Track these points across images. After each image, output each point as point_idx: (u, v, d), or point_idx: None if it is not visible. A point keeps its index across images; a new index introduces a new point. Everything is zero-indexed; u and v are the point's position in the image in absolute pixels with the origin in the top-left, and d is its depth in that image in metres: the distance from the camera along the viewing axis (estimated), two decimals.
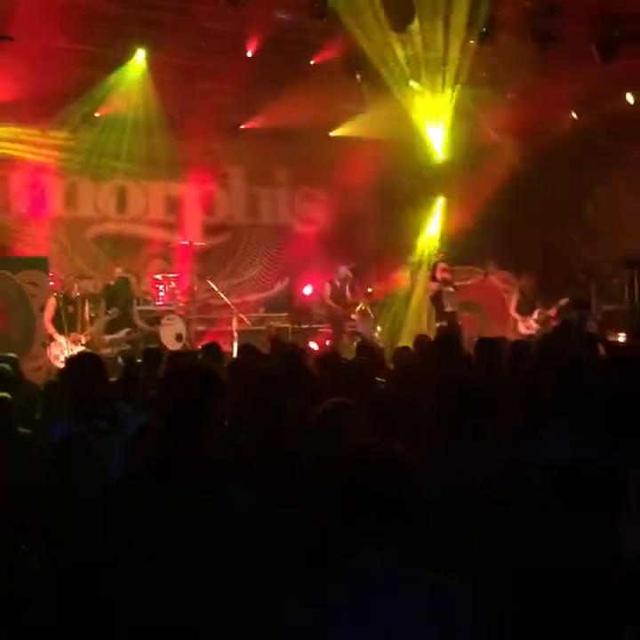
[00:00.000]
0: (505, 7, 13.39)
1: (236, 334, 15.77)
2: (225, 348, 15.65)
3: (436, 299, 14.47)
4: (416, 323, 16.16)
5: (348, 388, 5.83)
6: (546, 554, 3.52)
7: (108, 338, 14.06)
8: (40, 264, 14.15)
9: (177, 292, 16.11)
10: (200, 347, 11.75)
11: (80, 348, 12.29)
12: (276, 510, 3.73)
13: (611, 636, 3.03)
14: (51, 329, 13.02)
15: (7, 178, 16.43)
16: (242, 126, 17.36)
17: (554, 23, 13.54)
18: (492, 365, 7.67)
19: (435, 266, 14.89)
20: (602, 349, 9.06)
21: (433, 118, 16.63)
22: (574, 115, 17.52)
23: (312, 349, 14.99)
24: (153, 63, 14.64)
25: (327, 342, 16.18)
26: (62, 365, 11.27)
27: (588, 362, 6.98)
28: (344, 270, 16.10)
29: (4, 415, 5.49)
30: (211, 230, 18.00)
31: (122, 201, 17.56)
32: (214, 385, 3.74)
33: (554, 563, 3.49)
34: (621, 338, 14.03)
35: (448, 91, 16.28)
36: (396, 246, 18.29)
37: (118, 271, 15.36)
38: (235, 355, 13.12)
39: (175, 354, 10.42)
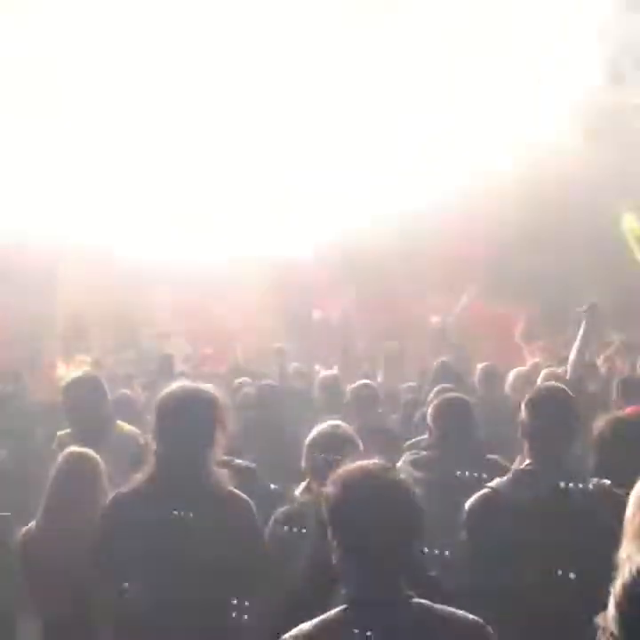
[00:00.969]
0: None
1: (242, 357, 15.71)
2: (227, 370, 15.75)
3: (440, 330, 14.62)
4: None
5: (348, 411, 5.86)
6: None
7: (112, 358, 14.08)
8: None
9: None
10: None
11: (84, 369, 12.31)
12: (276, 534, 3.75)
13: None
14: (59, 351, 13.08)
15: None
16: None
17: None
18: (493, 394, 7.72)
19: None
20: None
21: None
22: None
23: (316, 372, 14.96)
24: None
25: (333, 367, 16.14)
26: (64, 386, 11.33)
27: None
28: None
29: None
30: None
31: None
32: (212, 405, 3.76)
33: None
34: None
35: None
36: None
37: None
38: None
39: (179, 375, 10.42)
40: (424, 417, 5.57)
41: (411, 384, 9.69)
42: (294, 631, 2.57)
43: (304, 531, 3.58)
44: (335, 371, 14.65)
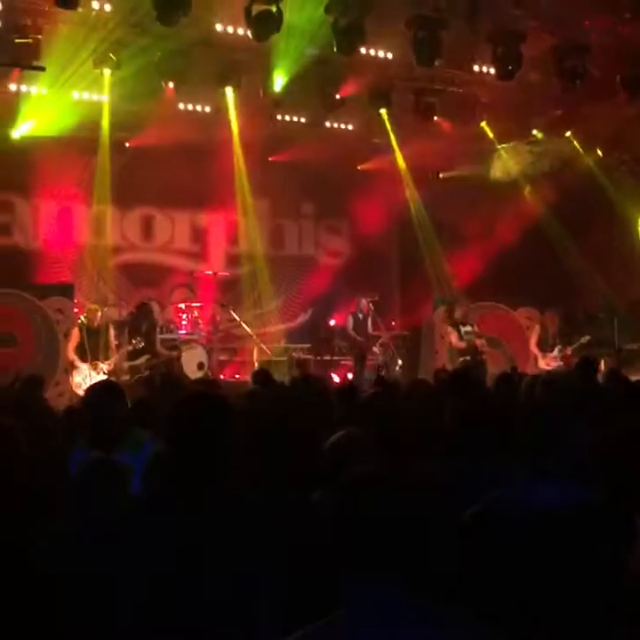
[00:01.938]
0: (532, 44, 13.47)
1: (257, 364, 15.81)
2: (246, 377, 15.82)
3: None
4: (436, 357, 16.11)
5: (364, 420, 5.86)
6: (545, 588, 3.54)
7: (127, 364, 14.15)
8: (66, 291, 14.32)
9: (200, 321, 16.17)
10: None
11: (102, 377, 12.40)
12: (288, 539, 3.75)
13: None
14: (73, 357, 13.18)
15: (35, 205, 16.63)
16: (270, 159, 17.55)
17: (580, 61, 13.60)
18: (508, 401, 7.68)
19: (449, 310, 15.06)
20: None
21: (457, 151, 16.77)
22: (600, 152, 17.56)
23: (333, 381, 15.02)
24: (182, 95, 14.87)
25: (348, 374, 16.21)
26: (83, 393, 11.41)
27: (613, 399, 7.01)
28: (365, 302, 16.17)
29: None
30: (235, 261, 18.08)
31: (148, 230, 17.72)
32: (227, 412, 3.76)
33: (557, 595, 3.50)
34: None
35: (474, 126, 16.42)
36: (419, 280, 18.35)
37: (142, 299, 15.48)
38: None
39: (196, 382, 10.48)
40: None
41: None
42: None
43: None
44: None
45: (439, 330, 15.74)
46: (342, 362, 17.08)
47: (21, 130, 15.21)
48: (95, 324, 13.45)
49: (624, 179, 16.99)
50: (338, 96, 15.07)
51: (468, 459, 4.86)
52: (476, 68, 14.76)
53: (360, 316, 16.17)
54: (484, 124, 16.56)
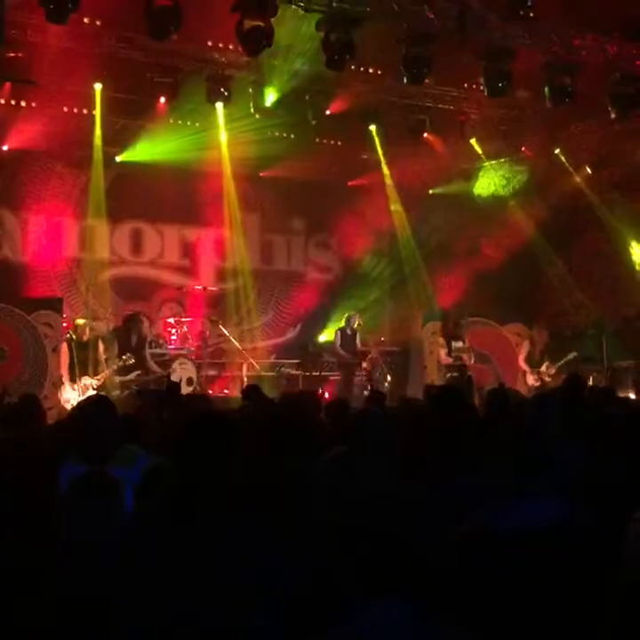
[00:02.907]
0: (522, 62, 13.54)
1: (246, 380, 15.78)
2: (235, 393, 15.78)
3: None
4: (425, 373, 16.11)
5: (354, 436, 5.85)
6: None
7: (118, 379, 14.10)
8: (54, 305, 14.25)
9: (189, 336, 16.15)
10: None
11: (90, 392, 12.36)
12: (287, 557, 3.74)
13: None
14: (65, 375, 13.12)
15: (24, 219, 16.60)
16: (261, 174, 17.58)
17: (570, 79, 13.67)
18: (499, 417, 7.68)
19: (443, 323, 15.12)
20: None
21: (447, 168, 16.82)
22: (589, 170, 17.64)
23: (322, 397, 15.00)
24: (173, 110, 14.89)
25: (337, 390, 16.19)
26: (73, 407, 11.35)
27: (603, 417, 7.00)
28: (355, 318, 16.16)
29: None
30: (224, 276, 18.06)
31: (137, 244, 17.70)
32: (229, 429, 3.76)
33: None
34: (631, 395, 14.00)
35: (462, 142, 16.49)
36: (409, 296, 18.39)
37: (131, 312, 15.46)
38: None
39: (189, 397, 10.46)
40: None
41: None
42: None
43: None
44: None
45: (428, 345, 15.74)
46: (331, 377, 17.05)
47: (10, 143, 15.22)
48: (84, 338, 13.40)
49: (612, 196, 17.05)
50: (328, 112, 15.11)
51: (455, 476, 4.86)
52: (465, 85, 14.85)
53: (349, 331, 16.16)
54: (473, 140, 16.63)
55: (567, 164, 17.59)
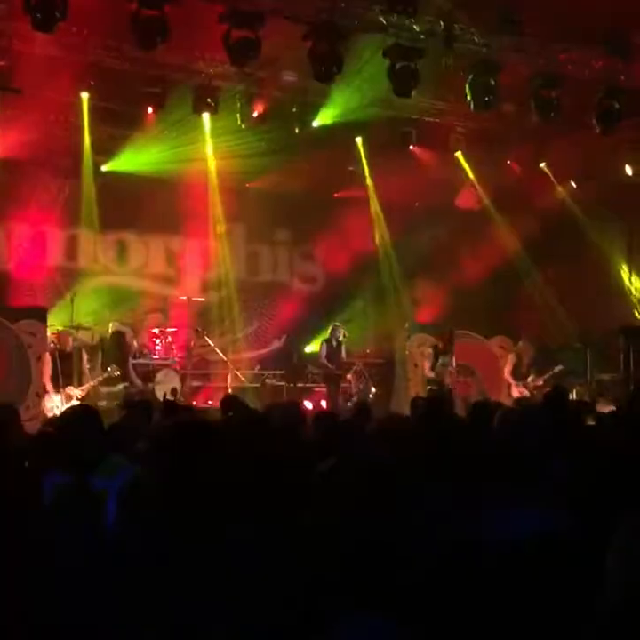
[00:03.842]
0: (507, 76, 13.60)
1: (230, 390, 15.75)
2: (218, 404, 15.72)
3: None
4: (410, 386, 16.10)
5: (342, 447, 5.83)
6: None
7: (104, 390, 14.06)
8: (38, 314, 14.17)
9: (173, 346, 16.11)
10: None
11: (74, 402, 12.30)
12: (272, 570, 3.71)
13: None
14: (48, 385, 13.06)
15: (8, 227, 16.54)
16: (247, 185, 17.58)
17: (555, 93, 13.74)
18: (483, 430, 7.67)
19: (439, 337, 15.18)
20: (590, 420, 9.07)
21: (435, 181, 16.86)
22: (573, 184, 17.72)
23: (306, 408, 14.98)
24: (160, 121, 14.89)
25: (322, 402, 16.17)
26: (57, 417, 11.31)
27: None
28: (340, 330, 16.15)
29: None
30: (209, 286, 18.03)
31: (122, 253, 17.66)
32: (210, 437, 3.74)
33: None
34: (612, 408, 14.02)
35: (450, 155, 16.54)
36: (394, 308, 18.42)
37: (114, 325, 15.39)
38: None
39: (170, 407, 10.40)
40: None
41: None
42: None
43: None
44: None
45: (413, 358, 15.75)
46: (315, 389, 17.04)
47: None
48: (68, 348, 13.35)
49: (597, 210, 17.13)
50: (314, 123, 15.15)
51: (440, 487, 4.85)
52: (452, 98, 14.91)
53: (334, 343, 16.14)
54: (459, 153, 16.69)
55: (552, 178, 17.67)
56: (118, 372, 13.89)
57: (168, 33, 11.49)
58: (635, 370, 15.57)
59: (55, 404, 12.82)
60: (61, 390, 12.98)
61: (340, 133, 15.72)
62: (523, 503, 4.06)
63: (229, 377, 16.20)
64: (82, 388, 13.17)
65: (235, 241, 18.19)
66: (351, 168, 17.48)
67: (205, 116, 14.92)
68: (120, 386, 14.18)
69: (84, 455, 5.21)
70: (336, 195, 18.54)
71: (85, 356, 13.54)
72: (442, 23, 12.72)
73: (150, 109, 14.49)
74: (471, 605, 3.71)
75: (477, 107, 13.83)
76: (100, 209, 16.28)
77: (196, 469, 3.63)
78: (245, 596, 3.41)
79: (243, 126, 15.19)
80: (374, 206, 17.98)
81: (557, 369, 14.72)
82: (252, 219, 18.23)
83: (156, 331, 16.35)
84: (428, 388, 14.62)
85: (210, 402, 16.40)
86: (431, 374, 14.84)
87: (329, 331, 16.36)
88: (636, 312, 17.54)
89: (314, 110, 15.01)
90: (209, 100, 14.30)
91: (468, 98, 13.84)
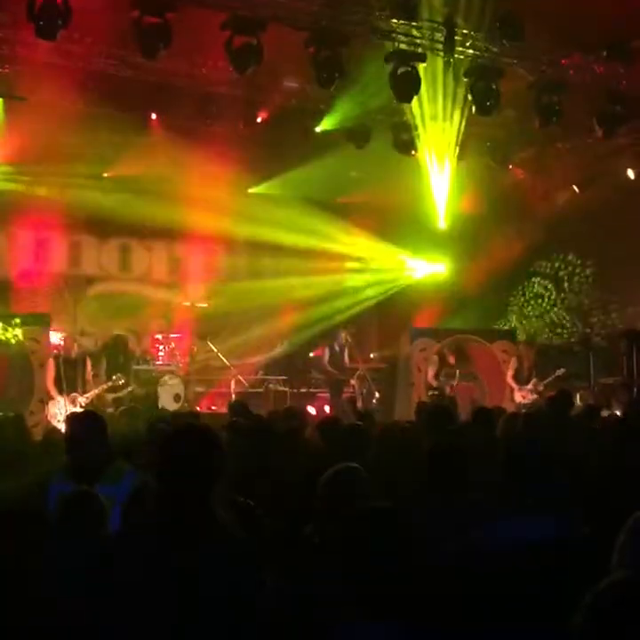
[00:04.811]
0: (509, 80, 13.62)
1: (234, 396, 15.76)
2: (223, 409, 15.74)
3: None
4: (413, 390, 16.09)
5: (346, 453, 5.85)
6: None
7: (110, 397, 14.09)
8: (41, 321, 14.20)
9: (177, 352, 16.12)
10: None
11: (78, 409, 12.31)
12: (278, 574, 3.72)
13: None
14: (51, 390, 13.08)
15: (12, 233, 16.56)
16: (250, 191, 17.58)
17: (557, 98, 13.76)
18: (486, 436, 7.71)
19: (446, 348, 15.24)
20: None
21: (436, 187, 16.80)
22: (576, 188, 17.72)
23: (310, 414, 14.98)
24: (163, 127, 14.92)
25: (325, 407, 16.17)
26: (61, 424, 11.35)
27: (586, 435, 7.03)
28: (343, 334, 16.12)
29: None
30: (213, 292, 18.02)
31: (125, 260, 17.68)
32: (213, 444, 3.73)
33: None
34: (617, 411, 14.03)
35: (451, 161, 16.51)
36: (397, 312, 18.43)
37: (117, 331, 15.42)
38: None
39: (176, 414, 10.46)
40: None
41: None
42: None
43: None
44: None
45: (417, 362, 15.75)
46: (318, 394, 17.03)
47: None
48: (72, 354, 13.37)
49: (598, 214, 17.13)
50: (317, 130, 15.18)
51: (444, 494, 4.86)
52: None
53: (337, 347, 16.11)
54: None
55: (554, 183, 17.69)
56: (123, 381, 13.92)
57: (170, 40, 11.52)
58: (638, 373, 15.59)
59: (59, 411, 12.83)
60: (65, 396, 12.99)
61: (342, 139, 15.73)
62: (536, 510, 4.06)
63: (233, 382, 16.21)
64: (87, 395, 13.18)
65: (237, 247, 18.19)
66: (354, 173, 17.48)
67: (208, 123, 14.93)
68: (125, 391, 14.23)
69: (88, 462, 5.23)
70: (339, 200, 18.54)
71: (89, 364, 13.55)
72: (443, 29, 12.74)
73: (154, 116, 14.55)
74: (479, 610, 3.72)
75: (480, 112, 13.85)
76: (103, 215, 16.31)
77: (194, 475, 3.63)
78: (241, 606, 3.42)
79: (246, 132, 15.21)
80: (378, 211, 17.99)
81: (559, 372, 14.70)
82: (256, 224, 18.22)
83: (160, 337, 16.36)
84: (430, 393, 14.62)
85: (213, 407, 16.44)
86: (435, 382, 14.90)
87: (332, 335, 16.33)
88: None
89: (317, 116, 15.05)
90: (211, 105, 14.34)
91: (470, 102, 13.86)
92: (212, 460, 3.64)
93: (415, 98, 13.52)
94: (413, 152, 15.77)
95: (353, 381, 16.32)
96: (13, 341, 13.27)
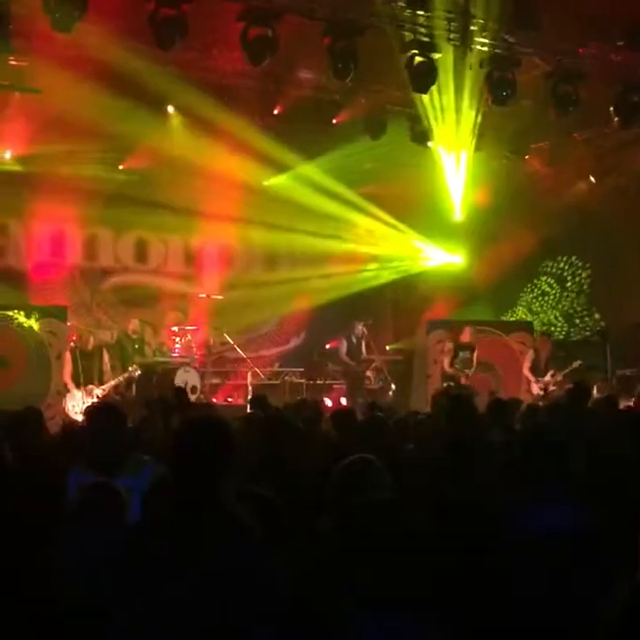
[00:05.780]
0: (526, 71, 13.56)
1: (250, 388, 15.79)
2: (239, 401, 15.77)
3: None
4: (429, 382, 16.06)
5: (361, 445, 5.85)
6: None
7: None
8: (59, 313, 14.24)
9: (193, 344, 16.12)
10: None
11: (95, 400, 12.37)
12: (293, 566, 3.71)
13: None
14: (68, 382, 13.13)
15: (28, 226, 16.61)
16: (265, 183, 17.56)
17: (573, 88, 13.69)
18: (504, 427, 7.70)
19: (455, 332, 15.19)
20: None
21: (452, 179, 16.76)
22: (592, 179, 17.65)
23: (326, 405, 14.98)
24: (180, 119, 14.94)
25: (341, 399, 16.17)
26: (78, 416, 11.40)
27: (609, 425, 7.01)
28: (360, 327, 16.11)
29: None
30: (229, 284, 18.02)
31: (141, 252, 17.71)
32: (227, 435, 3.72)
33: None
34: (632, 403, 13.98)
35: (467, 152, 16.45)
36: (413, 304, 18.42)
37: (134, 323, 15.40)
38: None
39: (193, 405, 10.48)
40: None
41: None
42: None
43: None
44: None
45: (433, 354, 15.73)
46: (335, 386, 17.03)
47: (15, 150, 15.31)
48: (88, 347, 13.43)
49: (616, 204, 17.06)
50: (334, 121, 15.16)
51: (465, 484, 4.85)
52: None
53: (354, 340, 16.11)
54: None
55: (571, 173, 17.62)
56: (139, 372, 13.95)
57: (186, 32, 11.52)
58: None
59: (77, 403, 12.89)
60: (82, 390, 13.05)
61: (357, 131, 15.70)
62: (554, 500, 4.05)
63: (249, 374, 16.23)
64: (103, 386, 13.23)
65: (253, 238, 18.19)
66: (368, 165, 17.43)
67: (225, 115, 14.92)
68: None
69: (108, 454, 5.24)
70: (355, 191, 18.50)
71: (106, 356, 13.60)
72: (459, 19, 12.70)
73: (170, 108, 14.56)
74: (500, 599, 3.71)
75: (496, 102, 13.80)
76: (118, 208, 16.35)
77: (209, 468, 3.62)
78: (257, 599, 3.42)
79: (262, 125, 15.20)
80: (392, 203, 17.94)
81: (576, 364, 14.65)
82: (271, 217, 18.21)
83: (176, 329, 16.37)
84: (445, 384, 14.56)
85: (230, 399, 16.47)
86: (450, 370, 14.82)
87: (349, 327, 16.31)
88: None
89: (333, 107, 15.03)
90: (228, 97, 14.34)
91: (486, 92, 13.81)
92: (224, 451, 3.63)
93: (431, 89, 13.50)
94: (429, 143, 15.73)
95: (369, 373, 16.33)
96: (36, 328, 13.36)
